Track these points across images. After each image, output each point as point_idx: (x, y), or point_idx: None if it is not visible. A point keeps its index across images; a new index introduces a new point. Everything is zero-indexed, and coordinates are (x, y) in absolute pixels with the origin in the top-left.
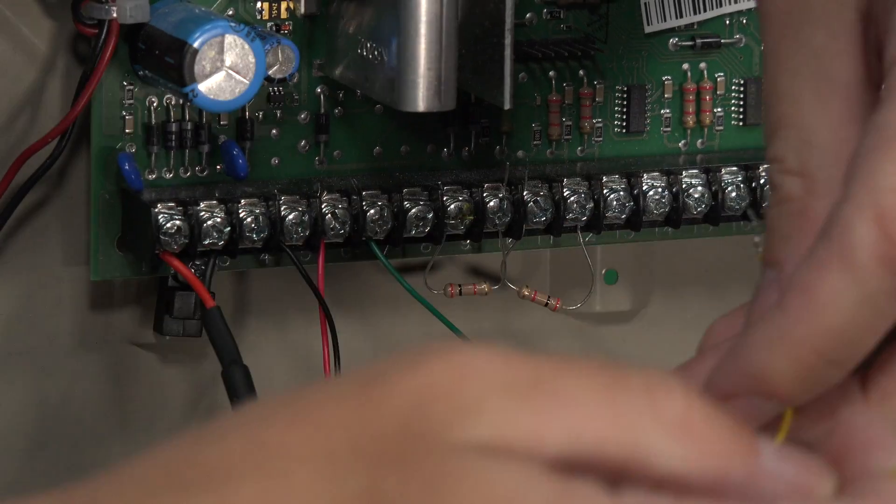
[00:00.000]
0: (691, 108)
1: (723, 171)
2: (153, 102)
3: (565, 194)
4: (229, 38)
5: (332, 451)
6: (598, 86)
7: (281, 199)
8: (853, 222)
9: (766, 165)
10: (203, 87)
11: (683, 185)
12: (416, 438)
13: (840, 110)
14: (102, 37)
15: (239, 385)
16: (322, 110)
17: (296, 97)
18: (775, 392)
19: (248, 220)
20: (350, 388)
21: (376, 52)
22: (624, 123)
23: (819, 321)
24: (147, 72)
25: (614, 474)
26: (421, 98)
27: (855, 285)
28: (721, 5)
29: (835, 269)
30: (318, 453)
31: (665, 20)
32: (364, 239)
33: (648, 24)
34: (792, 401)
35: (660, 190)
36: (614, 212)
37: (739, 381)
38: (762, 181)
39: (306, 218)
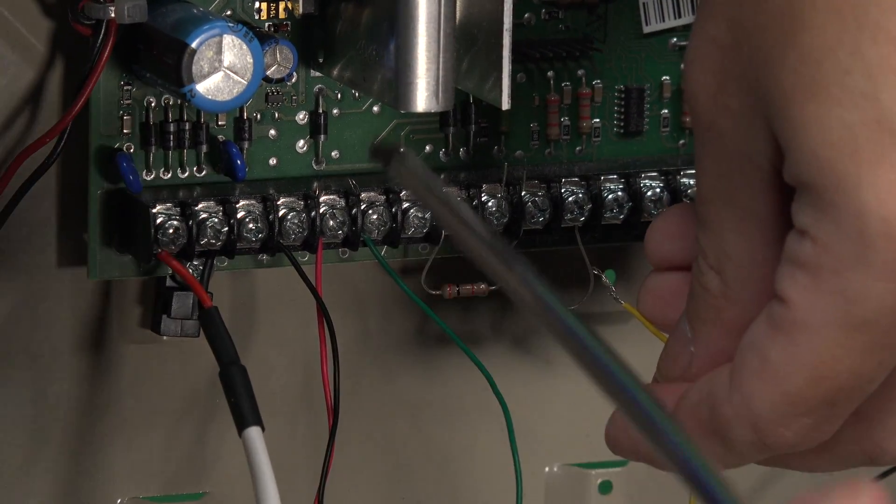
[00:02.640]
0: None
1: None
2: (151, 102)
3: (563, 194)
4: (227, 39)
5: None
6: (596, 86)
7: (279, 200)
8: (733, 424)
9: None
10: (201, 87)
11: (681, 186)
12: None
13: (758, 238)
14: (100, 37)
15: (237, 385)
16: (320, 110)
17: (294, 97)
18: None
19: (246, 220)
20: None
21: (374, 53)
22: (622, 123)
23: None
24: (145, 72)
25: None
26: (419, 98)
27: (729, 454)
28: None
29: (716, 443)
30: None
31: (664, 20)
32: (362, 239)
33: (647, 24)
34: None
35: (658, 190)
36: (612, 212)
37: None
38: None
39: (304, 218)
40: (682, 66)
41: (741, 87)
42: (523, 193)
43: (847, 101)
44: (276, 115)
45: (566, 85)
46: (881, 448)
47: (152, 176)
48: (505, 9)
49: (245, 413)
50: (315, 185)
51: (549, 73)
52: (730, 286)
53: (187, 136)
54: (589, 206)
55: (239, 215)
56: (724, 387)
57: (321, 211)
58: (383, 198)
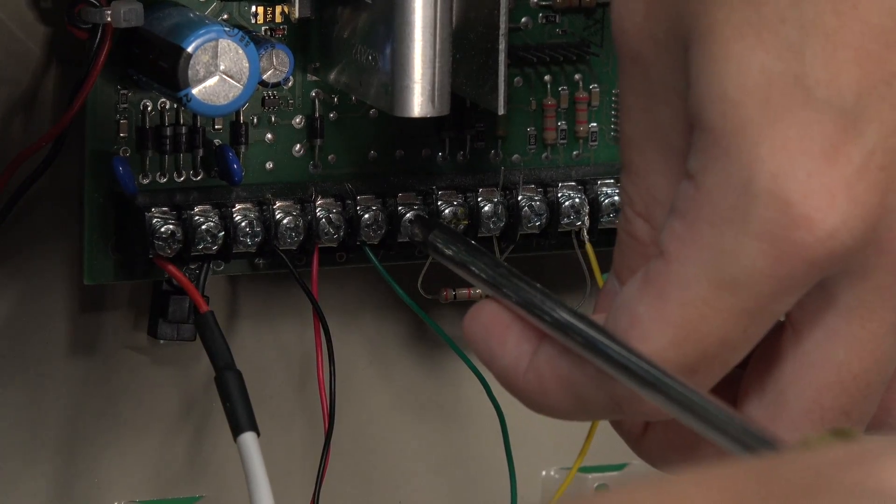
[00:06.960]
0: None
1: None
2: (147, 106)
3: (560, 199)
4: (223, 43)
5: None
6: (593, 90)
7: (275, 204)
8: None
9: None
10: (197, 91)
11: None
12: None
13: (681, 176)
14: (97, 41)
15: (232, 390)
16: (316, 114)
17: (290, 101)
18: None
19: (243, 224)
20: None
21: (371, 57)
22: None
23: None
24: (141, 76)
25: None
26: (415, 103)
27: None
28: None
29: (566, 396)
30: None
31: None
32: (358, 243)
33: None
34: None
35: None
36: (609, 216)
37: None
38: None
39: (300, 222)
40: None
41: (670, 15)
42: (520, 198)
43: (774, 49)
44: (273, 119)
45: (563, 89)
46: None
47: (148, 180)
48: (501, 13)
49: (240, 419)
50: (311, 189)
51: (547, 78)
52: (659, 229)
53: (183, 140)
54: (586, 211)
55: (235, 219)
56: None
57: (317, 215)
58: (379, 202)
